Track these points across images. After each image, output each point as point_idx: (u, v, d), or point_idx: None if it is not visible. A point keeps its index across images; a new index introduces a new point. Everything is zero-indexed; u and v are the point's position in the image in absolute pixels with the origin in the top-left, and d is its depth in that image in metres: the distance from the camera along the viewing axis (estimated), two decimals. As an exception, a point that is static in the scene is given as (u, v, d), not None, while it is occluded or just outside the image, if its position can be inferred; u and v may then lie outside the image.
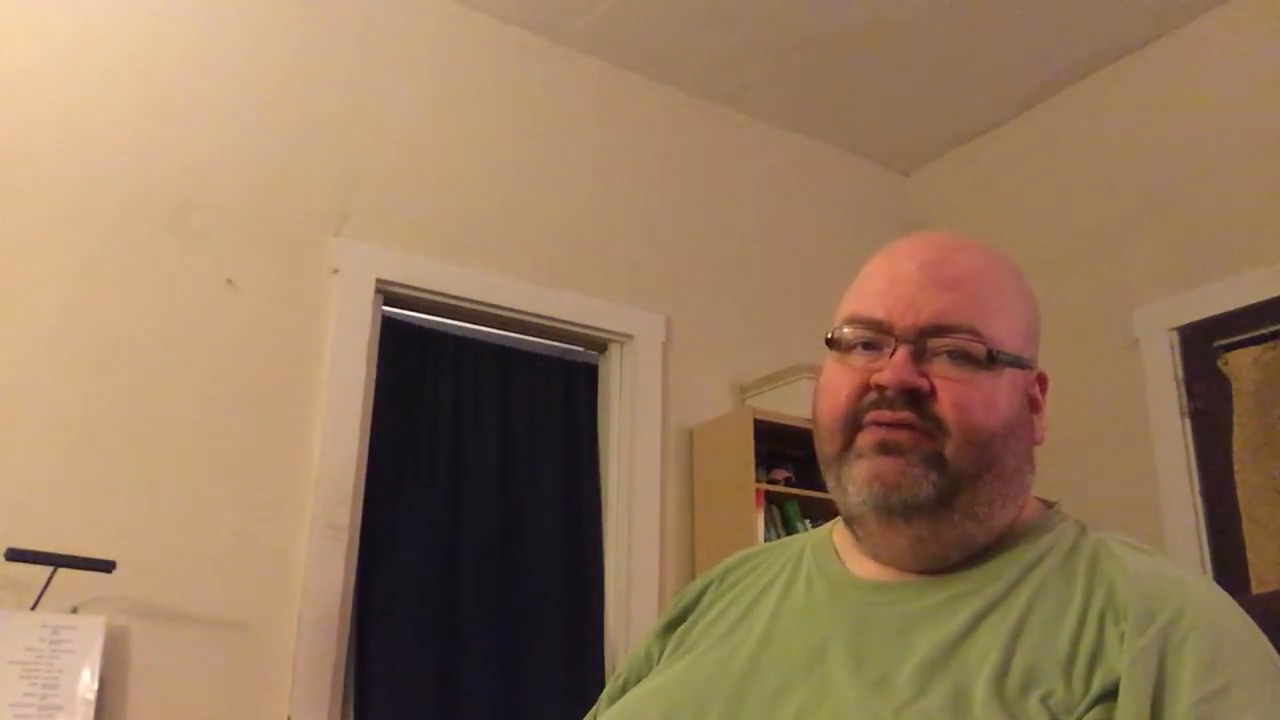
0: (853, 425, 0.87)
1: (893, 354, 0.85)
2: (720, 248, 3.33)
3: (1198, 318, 2.79)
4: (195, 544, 2.29)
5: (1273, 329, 2.62)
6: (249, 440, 2.41)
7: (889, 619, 0.84)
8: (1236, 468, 2.60)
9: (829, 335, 0.91)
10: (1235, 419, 2.63)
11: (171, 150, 2.49)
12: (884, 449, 0.85)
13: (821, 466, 0.91)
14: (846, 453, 0.87)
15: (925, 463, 0.83)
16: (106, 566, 2.09)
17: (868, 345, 0.88)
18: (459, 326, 2.89)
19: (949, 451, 0.83)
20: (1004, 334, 0.87)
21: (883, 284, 0.90)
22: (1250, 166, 2.77)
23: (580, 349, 3.10)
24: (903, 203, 3.78)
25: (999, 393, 0.85)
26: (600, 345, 3.09)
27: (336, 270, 2.62)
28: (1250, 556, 2.53)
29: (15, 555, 2.02)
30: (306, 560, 2.39)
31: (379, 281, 2.68)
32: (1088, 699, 0.72)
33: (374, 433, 2.61)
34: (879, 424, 0.85)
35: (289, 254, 2.58)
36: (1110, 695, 0.72)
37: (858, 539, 0.91)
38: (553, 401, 2.96)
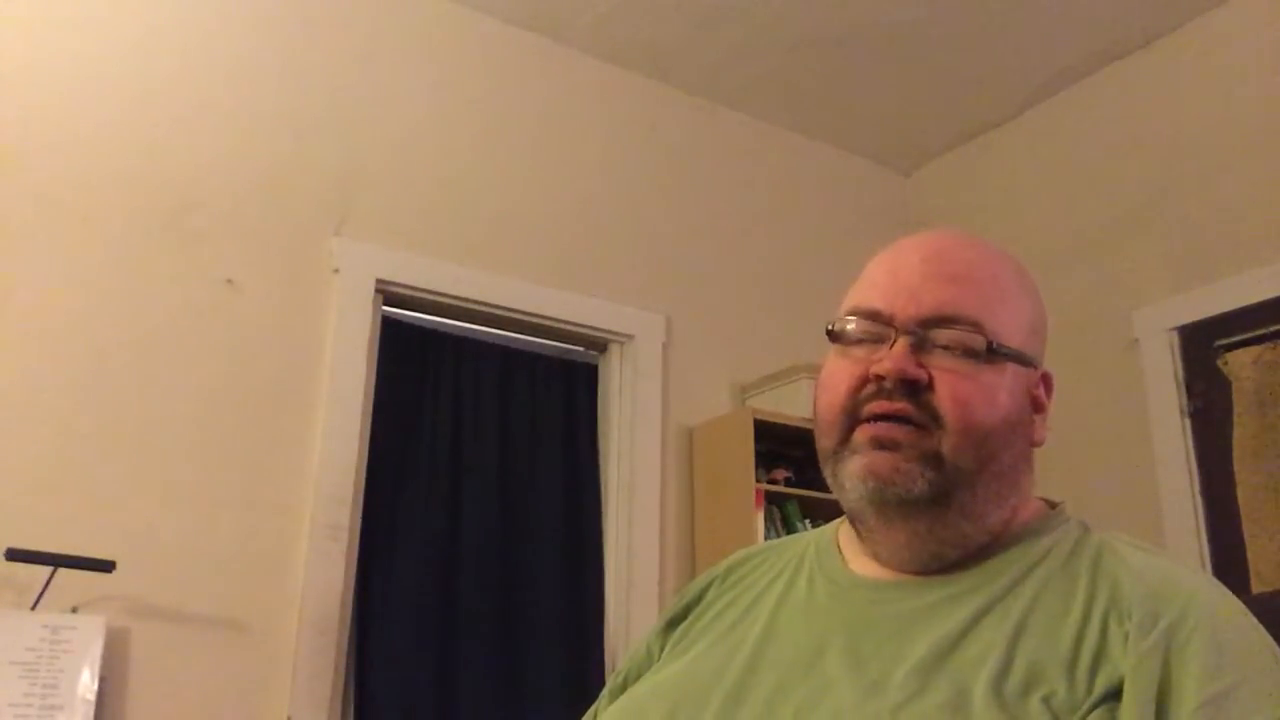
0: (851, 419, 0.86)
1: (893, 345, 0.85)
2: (720, 248, 3.33)
3: (1198, 318, 2.79)
4: (195, 544, 2.29)
5: (1273, 329, 2.62)
6: (249, 440, 2.41)
7: (888, 618, 0.83)
8: (1236, 468, 2.60)
9: (829, 327, 0.90)
10: (1235, 419, 2.63)
11: (171, 150, 2.49)
12: (879, 445, 0.84)
13: (821, 462, 0.91)
14: (843, 448, 0.86)
15: (921, 459, 0.82)
16: (106, 566, 2.09)
17: (868, 337, 0.87)
18: (459, 326, 2.89)
19: (946, 448, 0.82)
20: (1007, 329, 0.86)
21: (885, 277, 0.89)
22: (1250, 166, 2.77)
23: (580, 349, 3.10)
24: (903, 203, 3.78)
25: (1000, 389, 0.85)
26: (600, 345, 3.09)
27: (336, 270, 2.62)
28: (1250, 556, 2.53)
29: (15, 555, 2.02)
30: (306, 560, 2.39)
31: (379, 281, 2.68)
32: (1091, 699, 0.72)
33: (374, 433, 2.61)
34: (876, 417, 0.84)
35: (289, 254, 2.58)
36: (1114, 696, 0.71)
37: (860, 537, 0.91)
38: (553, 401, 2.96)
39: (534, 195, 3.01)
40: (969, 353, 0.84)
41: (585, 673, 2.72)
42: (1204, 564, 2.60)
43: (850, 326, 0.89)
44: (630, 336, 3.06)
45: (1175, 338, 2.84)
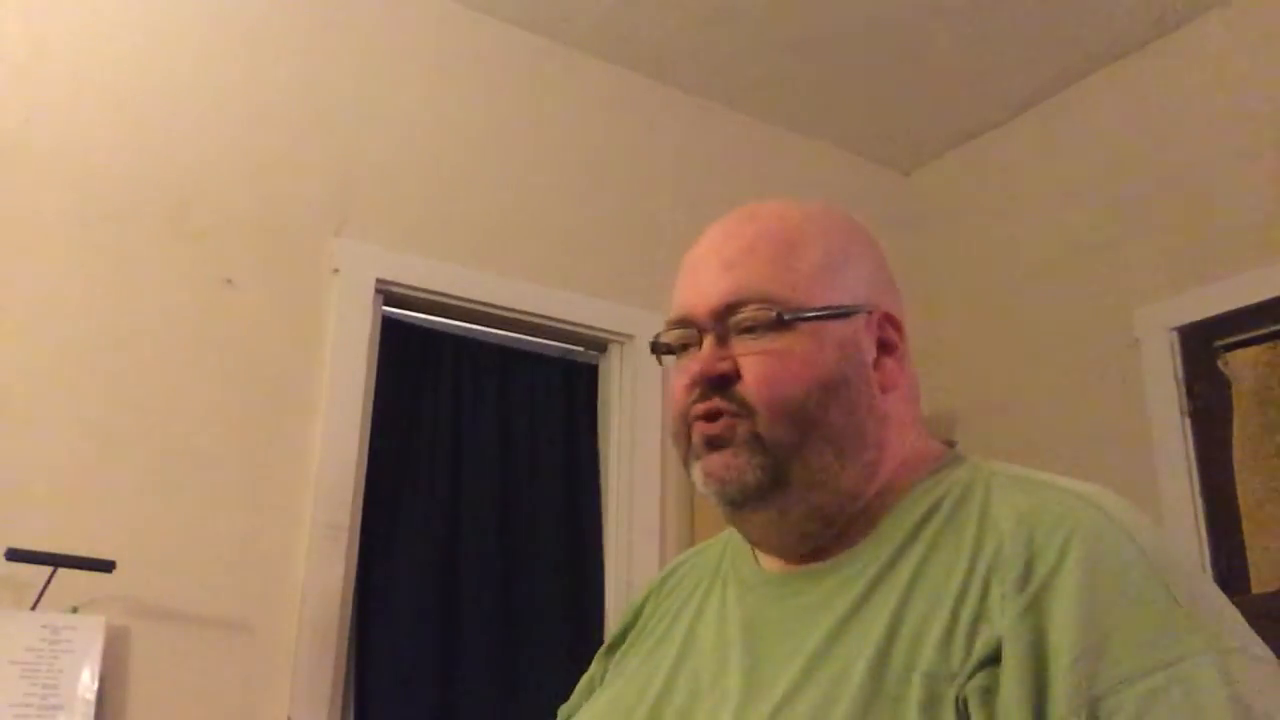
0: (687, 424, 0.88)
1: (701, 346, 0.87)
2: (720, 248, 3.32)
3: (1198, 318, 2.78)
4: (195, 544, 2.29)
5: (1273, 329, 2.62)
6: (249, 440, 2.41)
7: (787, 614, 0.82)
8: (1236, 468, 2.60)
9: (652, 344, 0.93)
10: (1235, 419, 2.62)
11: (172, 150, 2.49)
12: (710, 445, 0.85)
13: None
14: (689, 454, 0.88)
15: (748, 448, 0.83)
16: (106, 566, 2.09)
17: (689, 343, 0.89)
18: (459, 326, 2.89)
19: (762, 429, 0.82)
20: (801, 290, 0.85)
21: (684, 279, 0.93)
22: (1250, 166, 2.77)
23: (580, 349, 3.10)
24: (903, 203, 3.78)
25: (812, 351, 0.83)
26: (600, 345, 3.09)
27: (336, 270, 2.62)
28: (1250, 556, 2.53)
29: (15, 555, 2.02)
30: (306, 560, 2.39)
31: (379, 281, 2.67)
32: (969, 664, 0.69)
33: (374, 433, 2.60)
34: (700, 418, 0.86)
35: (289, 254, 2.58)
36: (993, 660, 0.68)
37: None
38: (553, 401, 2.96)
39: (534, 195, 3.01)
40: (765, 328, 0.84)
41: (584, 672, 2.72)
42: (1204, 564, 2.60)
43: (666, 338, 0.92)
44: (630, 336, 3.05)
45: (1175, 338, 2.83)
